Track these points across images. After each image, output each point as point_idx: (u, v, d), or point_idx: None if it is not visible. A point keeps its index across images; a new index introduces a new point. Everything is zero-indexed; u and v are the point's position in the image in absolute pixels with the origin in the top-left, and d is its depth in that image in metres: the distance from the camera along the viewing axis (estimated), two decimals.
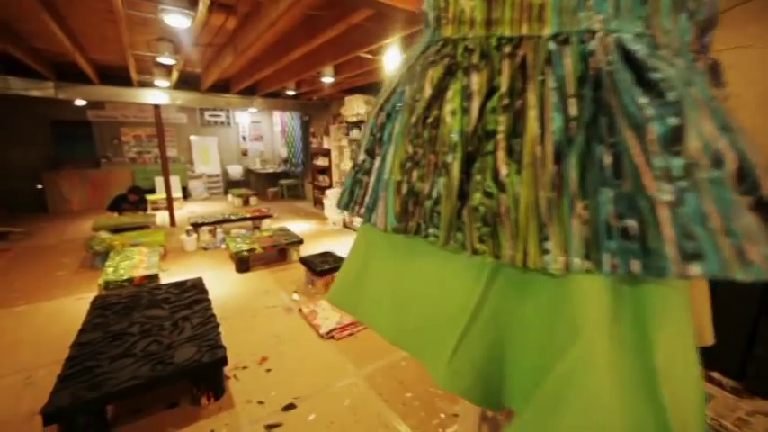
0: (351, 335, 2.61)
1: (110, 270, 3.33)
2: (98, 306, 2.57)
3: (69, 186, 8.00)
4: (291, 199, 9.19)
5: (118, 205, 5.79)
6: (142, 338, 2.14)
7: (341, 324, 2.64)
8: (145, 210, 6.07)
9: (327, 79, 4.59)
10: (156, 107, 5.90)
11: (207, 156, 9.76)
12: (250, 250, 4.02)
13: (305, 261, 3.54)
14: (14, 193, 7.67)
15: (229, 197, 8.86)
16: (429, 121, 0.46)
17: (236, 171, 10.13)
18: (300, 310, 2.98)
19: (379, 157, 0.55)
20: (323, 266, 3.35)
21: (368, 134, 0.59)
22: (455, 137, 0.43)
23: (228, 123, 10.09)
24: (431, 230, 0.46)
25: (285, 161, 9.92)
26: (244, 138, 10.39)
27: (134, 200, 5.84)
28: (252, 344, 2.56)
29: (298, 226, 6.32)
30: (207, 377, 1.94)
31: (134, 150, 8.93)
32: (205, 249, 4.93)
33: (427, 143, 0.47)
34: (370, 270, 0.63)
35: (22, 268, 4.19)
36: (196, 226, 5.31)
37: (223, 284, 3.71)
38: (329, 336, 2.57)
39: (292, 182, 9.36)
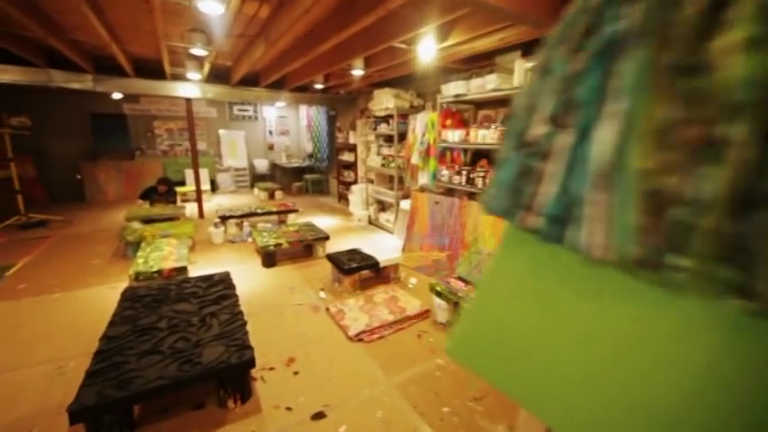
0: (381, 338, 2.48)
1: (140, 261, 3.35)
2: (128, 298, 2.56)
3: (105, 177, 8.30)
4: (316, 194, 9.18)
5: (148, 196, 5.92)
6: (170, 334, 2.09)
7: (370, 327, 2.51)
8: (174, 201, 6.18)
9: (357, 72, 4.46)
10: (188, 101, 5.96)
11: (235, 149, 9.89)
12: (276, 245, 3.96)
13: (332, 258, 3.43)
14: (56, 182, 8.04)
15: (255, 190, 8.94)
16: (691, 64, 0.27)
17: (262, 165, 10.22)
18: (328, 309, 2.87)
19: (576, 128, 0.35)
20: (350, 264, 3.23)
21: (552, 90, 0.37)
22: (744, 92, 0.25)
23: (256, 118, 10.18)
24: (674, 260, 0.28)
25: (310, 156, 9.90)
26: (270, 132, 10.46)
27: (163, 191, 5.94)
28: (279, 343, 2.47)
29: (322, 221, 6.26)
30: (234, 379, 1.85)
31: (166, 143, 9.16)
32: (232, 242, 4.94)
33: (690, 103, 0.27)
34: (526, 319, 0.41)
35: (61, 256, 4.32)
36: (224, 219, 5.33)
37: (250, 279, 3.67)
38: (358, 338, 2.45)
39: (317, 177, 9.34)
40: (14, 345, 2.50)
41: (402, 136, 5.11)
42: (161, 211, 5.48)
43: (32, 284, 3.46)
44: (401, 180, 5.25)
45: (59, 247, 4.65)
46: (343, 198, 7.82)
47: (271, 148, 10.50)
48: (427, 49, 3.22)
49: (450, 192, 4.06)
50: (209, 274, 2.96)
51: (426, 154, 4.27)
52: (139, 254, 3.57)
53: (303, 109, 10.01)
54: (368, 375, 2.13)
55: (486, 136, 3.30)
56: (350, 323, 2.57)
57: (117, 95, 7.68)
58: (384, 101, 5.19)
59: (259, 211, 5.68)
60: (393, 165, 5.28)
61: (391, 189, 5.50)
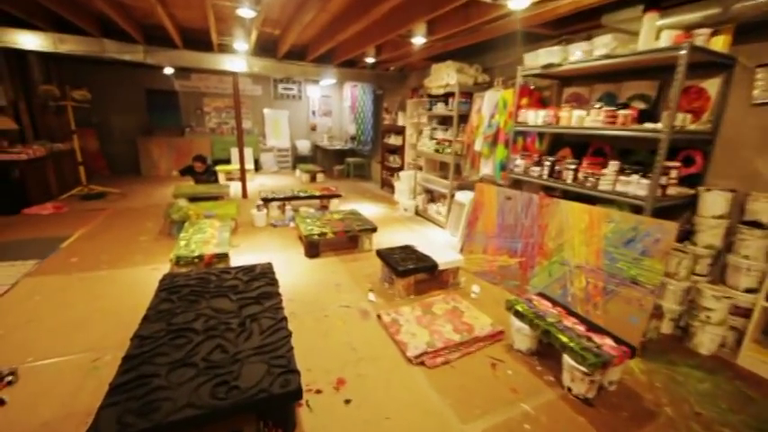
0: (446, 363, 2.05)
1: (182, 243, 3.15)
2: (165, 287, 2.32)
3: (159, 152, 8.47)
4: (357, 178, 8.82)
5: (187, 173, 5.83)
6: (206, 339, 1.79)
7: (433, 347, 2.08)
8: (215, 180, 6.06)
9: (418, 40, 3.91)
10: (234, 75, 5.73)
11: (278, 129, 9.74)
12: (321, 234, 3.63)
13: (383, 256, 3.03)
14: (116, 155, 8.33)
15: (297, 172, 8.75)
16: None
17: (304, 146, 10.02)
18: (380, 317, 2.49)
19: None
20: (405, 265, 2.80)
21: None
22: None
23: (300, 97, 9.92)
24: None
25: (353, 138, 9.52)
26: (313, 112, 10.18)
27: (200, 169, 5.82)
28: (325, 356, 2.13)
29: (365, 209, 5.88)
30: (277, 411, 1.52)
31: (214, 121, 9.18)
32: (274, 226, 4.70)
33: None
34: None
35: (113, 230, 4.30)
36: (266, 201, 5.11)
37: (292, 270, 3.38)
38: (419, 360, 2.04)
39: (359, 161, 8.96)
40: (56, 327, 2.38)
41: (463, 118, 4.52)
42: (206, 189, 5.36)
43: (83, 258, 3.41)
44: (458, 169, 4.70)
45: (113, 221, 4.66)
46: (386, 185, 7.39)
47: (313, 129, 10.25)
48: (520, 1, 2.55)
49: (516, 184, 3.48)
50: (251, 265, 2.68)
51: (494, 139, 3.68)
52: (182, 235, 3.38)
53: (347, 88, 9.59)
54: (436, 416, 1.72)
55: (583, 118, 2.66)
56: (407, 339, 2.16)
57: (168, 70, 7.70)
58: (444, 76, 4.60)
59: (301, 194, 5.41)
60: (449, 151, 4.73)
61: (445, 178, 4.97)
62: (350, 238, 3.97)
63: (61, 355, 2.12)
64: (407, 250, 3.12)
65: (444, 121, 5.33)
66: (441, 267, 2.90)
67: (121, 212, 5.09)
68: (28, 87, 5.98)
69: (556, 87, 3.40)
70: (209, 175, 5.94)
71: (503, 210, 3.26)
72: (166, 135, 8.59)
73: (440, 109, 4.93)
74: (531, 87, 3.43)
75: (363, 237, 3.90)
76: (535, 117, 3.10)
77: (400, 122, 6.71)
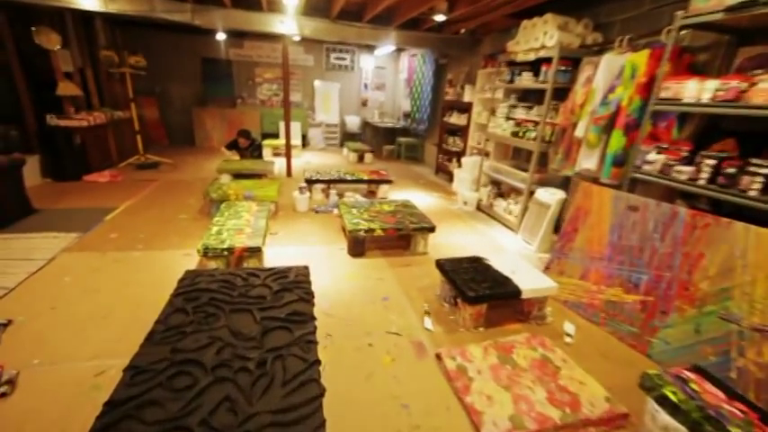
0: None
1: (213, 230, 2.79)
2: (183, 290, 1.94)
3: (212, 124, 8.43)
4: (408, 161, 8.13)
5: (233, 148, 5.57)
6: (214, 382, 1.35)
7: (523, 430, 1.46)
8: (260, 156, 5.75)
9: None
10: (284, 39, 5.24)
11: (328, 103, 9.26)
12: (368, 230, 3.09)
13: (447, 271, 2.41)
14: (174, 125, 8.44)
15: (344, 150, 8.27)
16: None
17: (353, 123, 9.47)
18: (440, 358, 1.91)
19: None
20: (477, 290, 2.17)
21: None
22: None
23: (352, 68, 9.29)
24: None
25: (406, 116, 8.77)
26: (365, 85, 9.52)
27: (244, 145, 5.51)
28: (366, 416, 1.61)
29: (417, 197, 5.24)
30: None
31: (265, 92, 8.92)
32: (316, 212, 4.26)
33: None
34: None
35: (157, 205, 4.14)
36: (310, 183, 4.68)
37: (332, 271, 2.90)
38: None
39: (412, 141, 8.23)
40: (76, 319, 2.15)
41: (559, 93, 3.60)
42: (251, 166, 5.06)
43: (122, 235, 3.24)
44: (543, 158, 3.85)
45: (158, 194, 4.53)
46: (442, 171, 6.64)
47: (364, 104, 9.63)
48: None
49: (637, 188, 2.61)
50: (284, 269, 2.22)
51: (609, 122, 2.80)
52: (216, 219, 3.04)
53: (405, 58, 8.75)
54: None
55: None
56: (481, 406, 1.56)
57: (221, 36, 7.46)
58: (538, 36, 3.67)
59: (348, 177, 4.90)
60: (532, 135, 3.88)
61: (522, 169, 4.15)
62: (401, 236, 3.39)
63: (69, 360, 1.84)
64: (478, 265, 2.47)
65: (528, 96, 4.42)
66: (527, 296, 2.23)
67: (169, 185, 4.96)
68: (94, 54, 6.01)
69: (724, 47, 2.39)
70: (252, 150, 5.65)
71: (621, 223, 2.42)
72: (219, 106, 8.50)
73: (525, 81, 4.03)
74: (681, 47, 2.46)
75: (418, 237, 3.30)
76: (698, 90, 2.14)
77: (466, 98, 5.85)
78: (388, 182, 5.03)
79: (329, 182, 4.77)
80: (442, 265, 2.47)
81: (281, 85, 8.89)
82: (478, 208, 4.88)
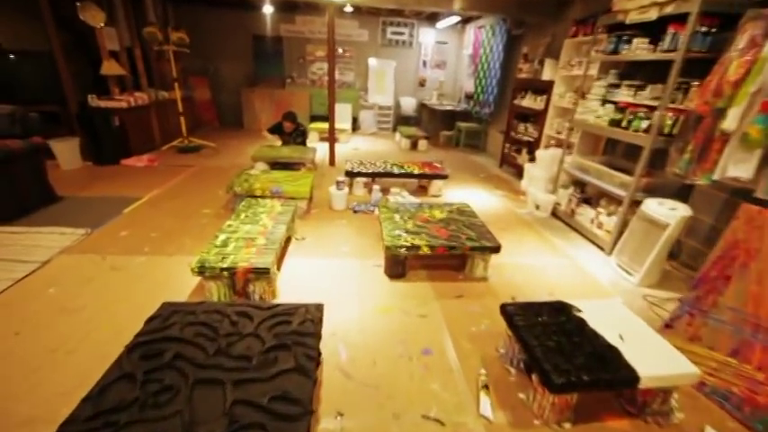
0: None
1: (220, 239, 2.27)
2: (145, 340, 1.41)
3: (260, 105, 8.16)
4: (468, 149, 7.13)
5: (275, 132, 5.10)
6: None
7: None
8: (303, 142, 5.23)
9: None
10: (330, 6, 4.56)
11: (382, 83, 8.49)
12: (412, 247, 2.37)
13: (518, 326, 1.62)
14: (225, 106, 8.35)
15: (397, 136, 7.51)
16: None
17: (409, 105, 8.62)
18: None
19: None
20: (570, 371, 1.37)
21: None
22: None
23: (410, 44, 8.38)
24: None
25: (469, 98, 7.70)
26: (424, 63, 8.57)
27: (289, 129, 5.00)
28: None
29: (476, 196, 4.36)
30: None
31: (316, 71, 8.42)
32: (355, 212, 3.63)
33: None
34: None
35: (183, 195, 3.82)
36: (350, 176, 4.05)
37: (360, 298, 2.25)
38: None
39: (473, 127, 7.19)
40: (35, 351, 1.75)
41: (694, 65, 2.50)
42: (289, 153, 4.56)
43: (133, 233, 2.89)
44: (657, 157, 2.78)
45: (189, 183, 4.24)
46: (508, 163, 5.60)
47: (422, 84, 8.71)
48: None
49: None
50: (289, 308, 1.62)
51: None
52: (229, 223, 2.53)
53: (471, 30, 7.61)
54: None
55: None
56: None
57: (268, 9, 7.01)
58: None
59: (395, 170, 4.17)
60: (643, 124, 2.81)
61: (623, 170, 3.09)
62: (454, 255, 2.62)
63: (5, 415, 1.42)
64: (565, 320, 1.64)
65: (635, 72, 3.28)
66: (646, 385, 1.38)
67: (204, 172, 4.67)
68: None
69: None
70: (296, 136, 5.14)
71: None
72: (268, 86, 8.18)
73: (637, 50, 2.92)
74: None
75: (477, 258, 2.50)
76: None
77: (545, 75, 4.73)
78: (443, 177, 4.21)
79: (373, 175, 4.09)
80: (510, 314, 1.67)
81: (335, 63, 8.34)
82: (554, 214, 3.87)
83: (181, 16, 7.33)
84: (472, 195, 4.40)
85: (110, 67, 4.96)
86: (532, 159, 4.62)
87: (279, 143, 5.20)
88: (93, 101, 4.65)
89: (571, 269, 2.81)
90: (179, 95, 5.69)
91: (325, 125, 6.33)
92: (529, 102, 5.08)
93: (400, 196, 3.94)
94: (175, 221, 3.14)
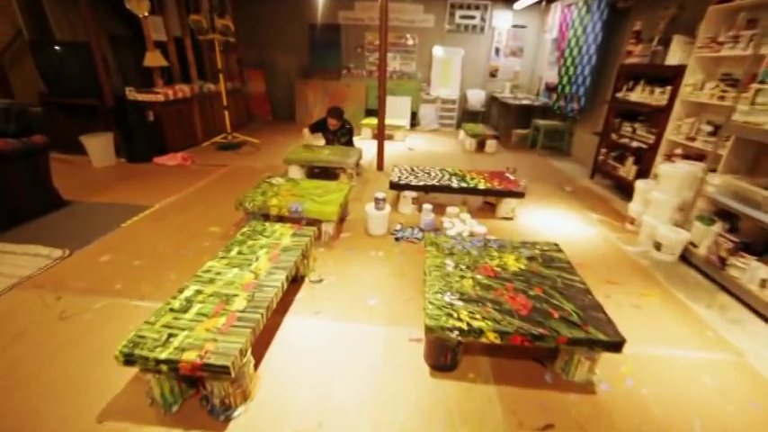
0: None
1: (179, 300, 1.55)
2: None
3: (314, 98, 7.66)
4: (547, 152, 5.82)
5: (319, 129, 4.42)
6: None
7: None
8: (349, 142, 4.49)
9: None
10: None
11: (447, 74, 7.45)
12: (469, 331, 1.45)
13: None
14: (279, 100, 8.00)
15: (461, 134, 6.45)
16: None
17: (476, 98, 7.47)
18: None
19: None
20: None
21: None
22: None
23: (482, 29, 7.20)
24: None
25: (551, 90, 6.33)
26: (497, 50, 7.33)
27: (334, 127, 4.28)
28: None
29: (560, 219, 3.23)
30: None
31: (374, 61, 7.66)
32: (397, 239, 2.77)
33: None
34: None
35: (196, 206, 3.30)
36: (396, 188, 3.20)
37: (377, 405, 1.41)
38: None
39: (555, 125, 5.85)
40: None
41: None
42: (328, 156, 3.85)
43: (114, 260, 2.35)
44: None
45: (214, 187, 3.74)
46: (605, 173, 4.27)
47: (493, 74, 7.49)
48: None
49: None
50: None
51: None
52: (211, 263, 1.83)
53: (557, 10, 6.21)
54: None
55: None
56: None
57: None
58: None
59: (455, 182, 3.21)
60: None
61: None
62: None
63: None
64: None
65: None
66: None
67: (234, 174, 4.16)
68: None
69: None
70: (341, 136, 4.43)
71: None
72: (323, 78, 7.62)
73: None
74: None
75: (579, 356, 1.50)
76: None
77: (671, 59, 3.37)
78: (518, 195, 3.15)
79: (424, 189, 3.19)
80: None
81: (395, 51, 7.51)
82: (685, 259, 2.62)
83: (237, 6, 7.04)
84: (557, 219, 3.27)
85: (152, 59, 4.69)
86: (642, 172, 3.33)
87: (321, 142, 4.54)
88: (131, 94, 4.40)
89: (739, 375, 1.65)
90: (223, 88, 5.32)
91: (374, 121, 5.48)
92: (640, 95, 3.73)
93: (459, 219, 2.99)
94: (171, 244, 2.57)
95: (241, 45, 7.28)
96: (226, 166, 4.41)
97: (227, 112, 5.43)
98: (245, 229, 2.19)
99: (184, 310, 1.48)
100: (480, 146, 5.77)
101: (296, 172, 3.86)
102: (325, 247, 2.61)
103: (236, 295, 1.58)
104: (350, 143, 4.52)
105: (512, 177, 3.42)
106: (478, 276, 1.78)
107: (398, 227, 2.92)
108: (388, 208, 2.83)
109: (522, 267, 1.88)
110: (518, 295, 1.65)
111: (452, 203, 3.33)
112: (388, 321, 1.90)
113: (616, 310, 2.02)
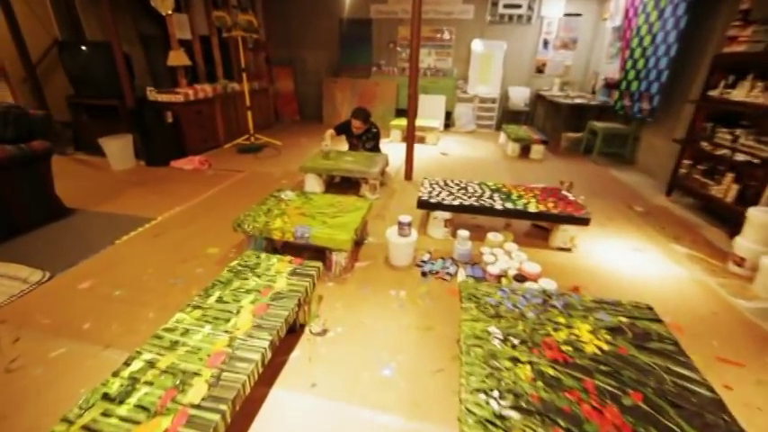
0: None
1: (120, 378, 1.16)
2: None
3: (342, 97, 7.27)
4: (606, 159, 5.01)
5: (343, 132, 3.97)
6: None
7: None
8: (374, 148, 4.01)
9: None
10: None
11: (487, 70, 6.76)
12: None
13: None
14: (307, 99, 7.69)
15: (501, 137, 5.78)
16: None
17: (519, 96, 6.73)
18: None
19: None
20: None
21: None
22: None
23: (529, 19, 6.44)
24: None
25: (611, 87, 5.47)
26: (545, 43, 6.53)
27: (359, 130, 3.81)
28: None
29: (631, 259, 2.51)
30: None
31: (407, 57, 7.13)
32: (424, 274, 2.25)
33: None
34: None
35: (202, 218, 2.98)
36: (425, 207, 2.66)
37: None
38: None
39: (617, 128, 5.01)
40: None
41: None
42: (349, 164, 3.40)
43: (94, 288, 2.02)
44: None
45: (224, 197, 3.41)
46: (685, 189, 3.45)
47: (539, 70, 6.70)
48: None
49: None
50: None
51: None
52: (180, 314, 1.42)
53: None
54: None
55: None
56: None
57: None
58: None
59: (498, 201, 2.62)
60: None
61: None
62: None
63: None
64: None
65: None
66: None
67: (249, 181, 3.82)
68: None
69: None
70: (366, 140, 3.95)
71: None
72: (352, 76, 7.20)
73: None
74: None
75: None
76: None
77: None
78: (583, 222, 2.50)
79: (460, 210, 2.63)
80: None
81: (426, 45, 6.93)
82: None
83: (266, 4, 6.79)
84: (629, 251, 2.58)
85: (176, 58, 4.47)
86: (748, 195, 2.54)
87: (344, 147, 4.09)
88: (152, 94, 4.20)
89: None
90: (246, 87, 5.03)
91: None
92: (748, 93, 2.91)
93: (502, 250, 2.40)
94: (161, 269, 2.22)
95: (270, 43, 7.03)
96: (242, 171, 4.09)
97: (249, 113, 5.15)
98: (234, 263, 1.77)
99: (122, 397, 1.06)
100: (525, 151, 5.08)
101: (313, 182, 3.44)
102: (335, 281, 2.15)
103: (196, 374, 1.14)
104: (375, 149, 4.03)
105: (570, 196, 2.77)
106: (540, 362, 1.22)
107: (426, 257, 2.40)
108: (414, 235, 2.31)
109: (605, 347, 1.30)
110: (606, 405, 1.07)
111: (494, 227, 2.75)
112: (408, 408, 1.39)
113: (749, 416, 1.37)
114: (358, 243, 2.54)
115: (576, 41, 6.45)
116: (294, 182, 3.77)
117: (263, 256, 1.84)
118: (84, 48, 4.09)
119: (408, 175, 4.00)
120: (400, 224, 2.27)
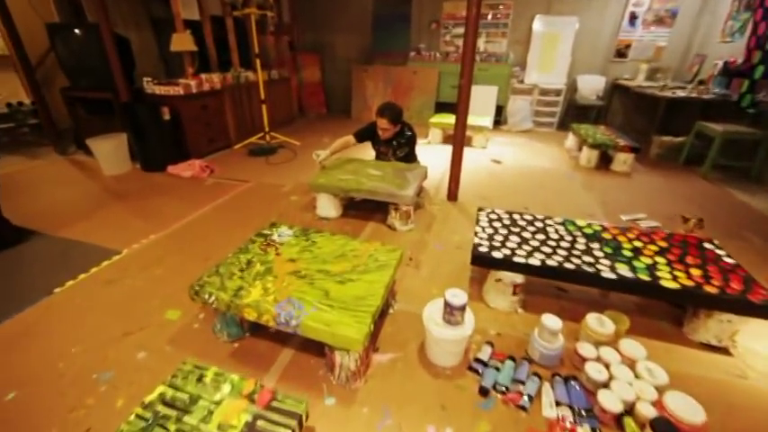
0: None
1: None
2: None
3: (373, 89, 6.36)
4: (722, 174, 3.75)
5: (367, 137, 3.05)
6: None
7: None
8: (409, 156, 3.10)
9: None
10: None
11: (551, 53, 5.57)
12: None
13: None
14: (334, 89, 6.88)
15: (569, 139, 4.66)
16: None
17: (591, 87, 5.48)
18: None
19: None
20: None
21: None
22: None
23: None
24: None
25: (732, 74, 4.13)
26: (632, 17, 5.22)
27: (387, 133, 2.88)
28: None
29: None
30: None
31: (453, 40, 6.07)
32: (484, 392, 1.36)
33: None
34: None
35: (182, 254, 2.27)
36: (483, 264, 1.75)
37: None
38: None
39: (740, 132, 3.70)
40: None
41: None
42: (375, 182, 2.54)
43: (35, 347, 1.38)
44: None
45: (216, 219, 2.68)
46: None
47: (621, 53, 5.40)
48: None
49: None
50: None
51: None
52: None
53: None
54: None
55: None
56: None
57: None
58: None
59: (602, 258, 1.64)
60: None
61: None
62: None
63: None
64: None
65: None
66: None
67: (250, 197, 3.07)
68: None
69: None
70: (398, 147, 3.02)
71: None
72: (386, 63, 6.27)
73: None
74: None
75: None
76: None
77: None
78: (758, 312, 1.47)
79: (541, 273, 1.68)
80: None
81: (480, 27, 5.78)
82: None
83: None
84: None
85: (180, 42, 3.80)
86: None
87: (369, 155, 3.23)
88: (149, 86, 3.57)
89: None
90: (260, 77, 4.29)
91: (452, 120, 3.87)
92: None
93: (615, 352, 1.45)
94: (90, 348, 1.51)
95: (296, 26, 6.25)
96: (247, 182, 3.36)
97: (264, 107, 4.42)
98: (155, 394, 1.00)
99: None
100: (604, 161, 3.94)
101: (327, 203, 2.63)
102: (337, 396, 1.33)
103: None
104: (410, 157, 3.12)
105: (716, 250, 1.73)
106: None
107: (486, 352, 1.50)
108: (469, 324, 1.43)
109: None
110: None
111: (586, 296, 1.79)
112: None
113: None
114: (372, 335, 1.69)
115: (674, 15, 5.06)
116: (305, 200, 2.98)
117: (208, 380, 1.05)
118: (77, 31, 3.52)
119: (453, 194, 3.07)
120: (448, 306, 1.39)
